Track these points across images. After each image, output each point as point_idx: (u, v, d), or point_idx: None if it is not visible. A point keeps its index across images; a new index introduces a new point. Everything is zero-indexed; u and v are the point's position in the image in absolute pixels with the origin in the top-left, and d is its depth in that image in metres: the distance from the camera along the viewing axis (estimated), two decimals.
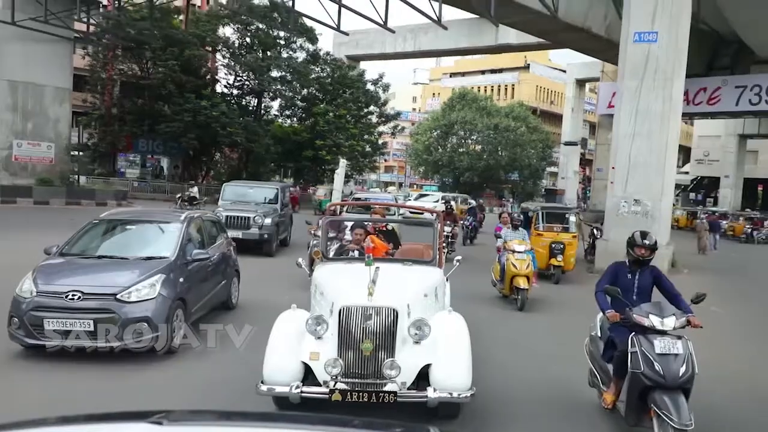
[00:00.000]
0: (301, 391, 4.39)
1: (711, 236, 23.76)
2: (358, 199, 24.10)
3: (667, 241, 14.19)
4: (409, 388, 4.44)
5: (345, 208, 13.46)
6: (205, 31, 35.66)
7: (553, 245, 12.80)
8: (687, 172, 67.26)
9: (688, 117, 42.61)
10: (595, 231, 15.77)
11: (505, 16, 20.56)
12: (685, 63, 14.02)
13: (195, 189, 25.66)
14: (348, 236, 7.45)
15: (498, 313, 9.25)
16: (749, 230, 28.39)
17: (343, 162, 19.53)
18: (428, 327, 4.63)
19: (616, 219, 13.96)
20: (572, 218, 13.97)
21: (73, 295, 5.86)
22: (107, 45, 31.87)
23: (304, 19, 28.85)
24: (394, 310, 4.54)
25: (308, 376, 4.52)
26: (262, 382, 4.49)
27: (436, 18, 18.37)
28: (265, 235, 13.83)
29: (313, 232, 10.38)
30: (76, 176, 26.23)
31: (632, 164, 13.62)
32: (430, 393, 4.36)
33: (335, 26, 20.98)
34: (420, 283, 5.38)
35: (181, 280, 6.66)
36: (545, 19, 20.68)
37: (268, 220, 14.00)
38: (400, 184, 68.65)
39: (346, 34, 25.16)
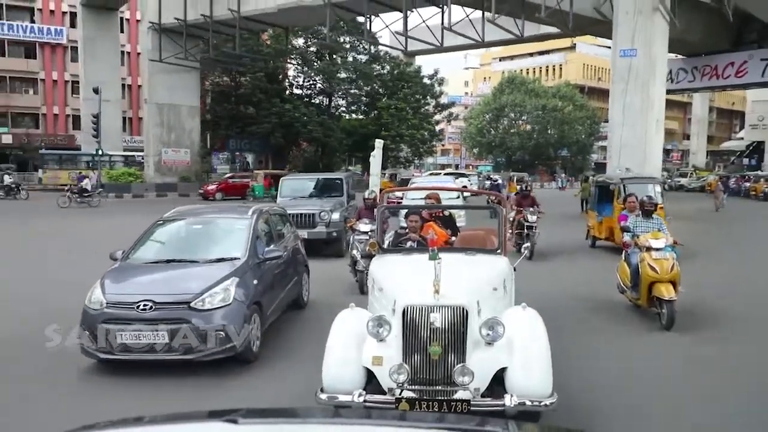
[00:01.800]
0: (365, 400, 4.05)
1: (724, 195, 28.45)
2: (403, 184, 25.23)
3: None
4: (482, 395, 4.07)
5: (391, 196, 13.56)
6: (284, 44, 43.06)
7: None
8: (742, 138, 69.90)
9: (720, 89, 46.91)
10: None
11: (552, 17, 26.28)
12: (662, 70, 19.99)
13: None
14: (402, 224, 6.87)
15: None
16: (767, 190, 33.32)
17: (379, 143, 17.71)
18: (502, 326, 4.24)
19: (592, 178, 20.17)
20: (657, 188, 13.79)
21: (144, 305, 5.57)
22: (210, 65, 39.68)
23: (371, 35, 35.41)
24: (463, 308, 4.14)
25: (370, 380, 4.21)
26: (321, 390, 4.17)
27: (480, 39, 24.79)
28: (334, 233, 12.46)
29: (351, 226, 9.73)
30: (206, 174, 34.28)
31: (622, 144, 19.79)
32: (508, 401, 3.96)
33: (403, 49, 27.57)
34: (488, 275, 5.03)
35: (255, 282, 6.27)
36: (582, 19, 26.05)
37: (335, 216, 12.63)
38: (456, 166, 74.89)
39: (413, 56, 31.55)
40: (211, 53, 29.53)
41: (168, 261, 6.39)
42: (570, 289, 9.16)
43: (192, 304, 5.62)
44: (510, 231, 11.59)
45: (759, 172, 41.41)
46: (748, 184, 36.46)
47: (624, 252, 8.10)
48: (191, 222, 7.39)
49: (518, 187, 14.37)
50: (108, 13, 39.15)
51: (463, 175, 40.16)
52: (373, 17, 26.00)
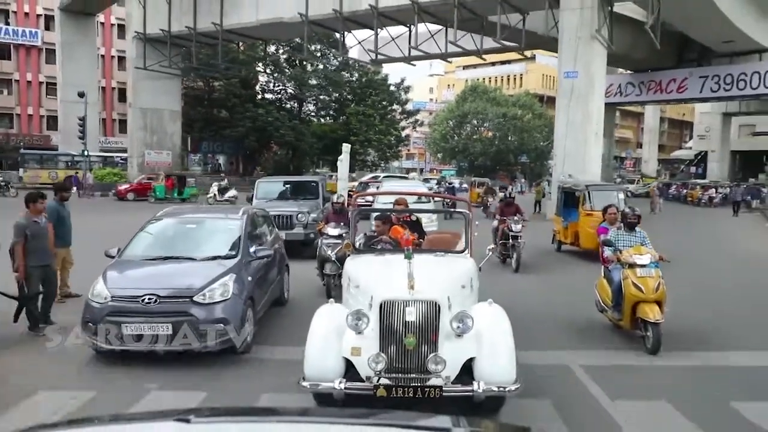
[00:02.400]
0: (345, 387, 4.38)
1: (660, 200, 32.29)
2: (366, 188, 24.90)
3: None
4: (453, 383, 4.43)
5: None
6: (257, 51, 45.35)
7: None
8: (690, 148, 74.89)
9: (665, 102, 51.13)
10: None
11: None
12: (599, 88, 23.18)
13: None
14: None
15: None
16: (701, 196, 37.20)
17: (346, 147, 17.71)
18: (471, 319, 4.60)
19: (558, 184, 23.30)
20: (621, 195, 14.24)
21: (149, 299, 5.81)
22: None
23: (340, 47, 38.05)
24: (436, 303, 4.48)
25: (349, 371, 4.52)
26: (303, 378, 4.51)
27: (443, 54, 27.66)
28: (311, 235, 12.20)
29: (320, 230, 9.74)
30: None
31: (566, 153, 22.91)
32: (476, 387, 4.37)
33: (372, 61, 30.25)
34: (456, 274, 5.35)
35: (249, 278, 6.62)
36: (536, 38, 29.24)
37: (313, 216, 12.70)
38: (421, 170, 77.97)
39: (381, 65, 34.21)
40: (194, 62, 31.72)
41: (165, 258, 6.69)
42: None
43: (194, 298, 5.96)
44: (494, 241, 11.85)
45: (697, 180, 45.51)
46: (685, 191, 40.40)
47: (604, 267, 7.54)
48: (184, 221, 7.72)
49: (501, 194, 13.85)
50: (86, 17, 40.83)
51: (426, 180, 42.99)
52: (345, 33, 28.70)
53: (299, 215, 12.66)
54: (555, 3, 22.86)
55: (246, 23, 28.71)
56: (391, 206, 9.23)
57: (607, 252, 7.27)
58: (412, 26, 26.98)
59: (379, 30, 26.85)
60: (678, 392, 5.39)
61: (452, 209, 9.75)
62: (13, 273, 6.72)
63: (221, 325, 5.91)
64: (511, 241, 11.64)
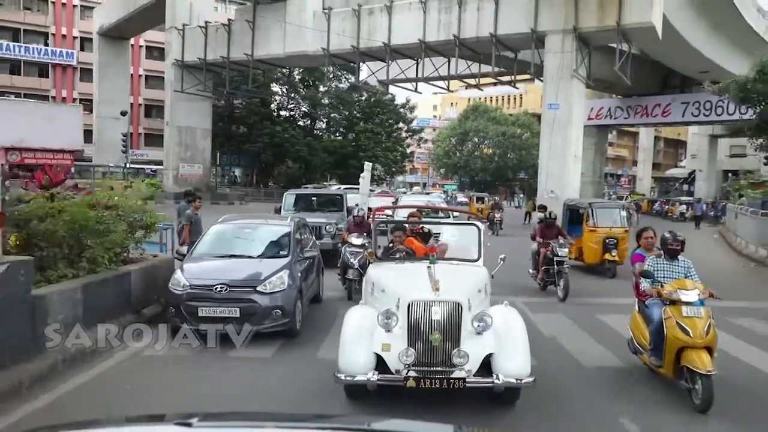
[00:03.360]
0: (378, 379, 4.94)
1: (636, 214, 36.39)
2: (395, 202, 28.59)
3: None
4: (474, 376, 4.97)
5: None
6: (275, 72, 50.04)
7: (607, 240, 13.50)
8: (684, 166, 79.26)
9: (652, 125, 55.73)
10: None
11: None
12: (578, 119, 27.70)
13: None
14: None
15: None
16: (679, 211, 41.67)
17: (368, 165, 19.00)
18: (490, 318, 5.18)
19: (543, 200, 27.73)
20: (623, 213, 14.87)
21: (220, 287, 7.15)
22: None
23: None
24: (458, 303, 5.07)
25: (378, 366, 5.04)
26: (338, 371, 5.05)
27: (446, 87, 32.27)
28: (340, 244, 12.45)
29: (343, 239, 10.77)
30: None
31: (549, 173, 27.37)
32: (496, 379, 4.93)
33: (382, 81, 34.80)
34: (473, 279, 5.96)
35: (298, 274, 7.93)
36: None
37: (339, 227, 13.43)
38: (424, 184, 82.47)
39: (390, 92, 38.64)
40: (227, 87, 36.46)
41: (230, 256, 8.05)
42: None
43: (257, 288, 7.26)
44: (534, 266, 11.75)
45: (679, 198, 50.03)
46: (667, 207, 44.90)
47: (639, 302, 6.55)
48: (242, 226, 9.26)
49: (542, 215, 12.95)
50: (121, 41, 45.76)
51: (428, 193, 47.26)
52: (361, 64, 33.36)
53: (327, 226, 13.65)
54: (540, 45, 27.43)
55: (274, 55, 33.34)
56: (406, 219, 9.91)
57: (644, 284, 6.15)
58: (419, 59, 31.61)
59: (390, 62, 31.50)
60: None
61: (467, 222, 9.56)
62: (179, 246, 10.63)
63: (279, 311, 7.28)
64: (556, 266, 10.80)
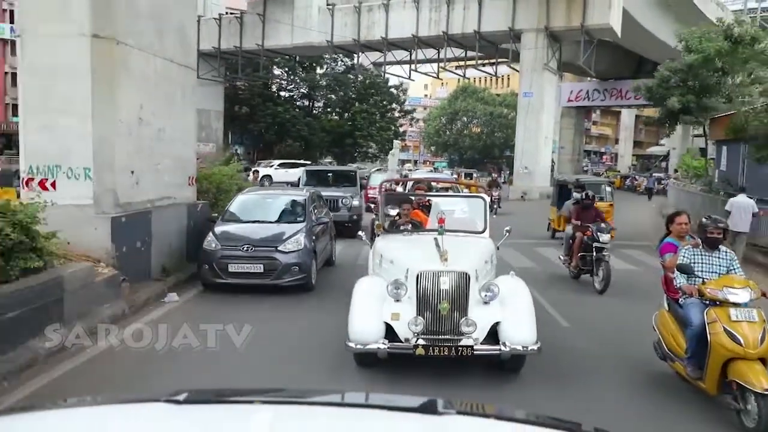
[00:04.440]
0: (388, 347, 5.18)
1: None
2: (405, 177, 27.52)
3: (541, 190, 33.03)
4: (481, 344, 5.20)
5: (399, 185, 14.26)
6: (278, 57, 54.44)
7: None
8: (663, 145, 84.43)
9: (626, 107, 60.90)
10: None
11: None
12: (549, 104, 32.77)
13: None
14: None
15: None
16: (645, 186, 47.09)
17: (397, 144, 23.92)
18: (497, 288, 5.43)
19: (519, 175, 32.95)
20: (608, 188, 16.14)
21: (247, 247, 8.50)
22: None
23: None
24: (466, 274, 5.30)
25: (387, 335, 5.27)
26: (349, 340, 5.29)
27: (436, 75, 37.17)
28: (355, 216, 14.64)
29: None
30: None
31: (524, 152, 32.48)
32: (503, 347, 5.17)
33: (378, 63, 39.65)
34: (480, 250, 6.23)
35: (313, 237, 9.22)
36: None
37: (356, 201, 14.91)
38: (415, 162, 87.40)
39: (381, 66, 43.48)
40: (240, 74, 41.13)
41: (254, 221, 9.40)
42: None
43: (278, 247, 8.58)
44: (566, 252, 10.77)
45: (644, 173, 55.60)
46: (635, 182, 50.31)
47: (668, 297, 5.71)
48: (265, 195, 10.88)
49: (578, 195, 11.96)
50: None
51: (435, 169, 51.60)
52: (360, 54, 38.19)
53: (344, 199, 14.97)
54: (517, 40, 32.36)
55: (283, 45, 38.01)
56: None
57: (680, 280, 5.24)
58: (412, 50, 36.45)
59: (386, 52, 36.30)
60: None
61: (472, 195, 9.39)
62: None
63: (296, 267, 8.54)
64: (595, 253, 9.67)
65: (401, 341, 5.23)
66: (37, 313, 5.95)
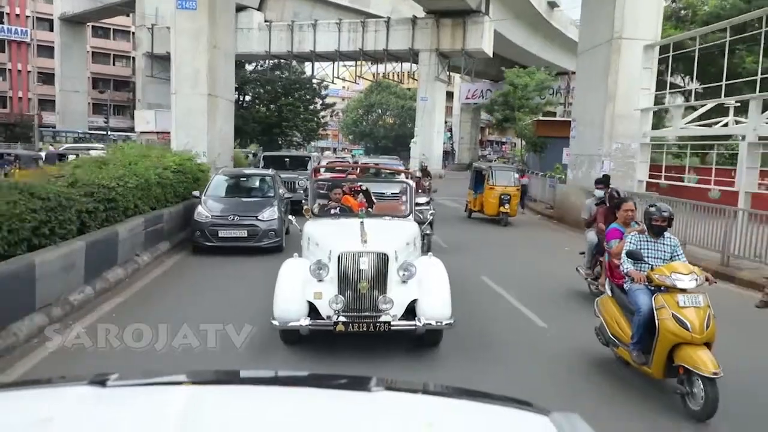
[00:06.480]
0: (310, 325, 5.62)
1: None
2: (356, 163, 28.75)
3: (437, 172, 45.02)
4: (399, 320, 5.70)
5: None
6: None
7: (502, 196, 17.20)
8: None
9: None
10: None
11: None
12: (440, 107, 44.77)
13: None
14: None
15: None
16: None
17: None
18: (414, 268, 5.91)
19: (417, 162, 44.76)
20: (516, 175, 18.87)
21: (232, 217, 10.90)
22: None
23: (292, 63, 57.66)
24: (385, 254, 5.76)
25: (311, 313, 5.73)
26: (273, 318, 5.71)
27: (354, 80, 48.41)
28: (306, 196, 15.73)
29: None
30: None
31: (422, 143, 44.31)
32: (418, 322, 5.68)
33: (317, 79, 50.33)
34: (402, 233, 6.74)
35: (282, 209, 11.56)
36: None
37: (308, 183, 14.91)
38: (334, 149, 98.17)
39: (308, 72, 54.39)
40: None
41: (233, 196, 12.16)
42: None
43: (258, 216, 11.14)
44: (591, 265, 8.92)
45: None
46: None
47: (609, 282, 6.05)
48: (238, 174, 13.94)
49: (600, 193, 9.49)
50: (80, 25, 58.15)
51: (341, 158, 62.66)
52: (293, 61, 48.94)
53: (299, 181, 17.72)
54: (416, 57, 44.12)
55: (250, 51, 48.09)
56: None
57: (627, 266, 5.35)
58: (335, 61, 47.52)
59: (314, 62, 47.19)
60: None
61: (399, 180, 11.11)
62: None
63: (273, 232, 11.11)
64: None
65: (324, 319, 5.69)
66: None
